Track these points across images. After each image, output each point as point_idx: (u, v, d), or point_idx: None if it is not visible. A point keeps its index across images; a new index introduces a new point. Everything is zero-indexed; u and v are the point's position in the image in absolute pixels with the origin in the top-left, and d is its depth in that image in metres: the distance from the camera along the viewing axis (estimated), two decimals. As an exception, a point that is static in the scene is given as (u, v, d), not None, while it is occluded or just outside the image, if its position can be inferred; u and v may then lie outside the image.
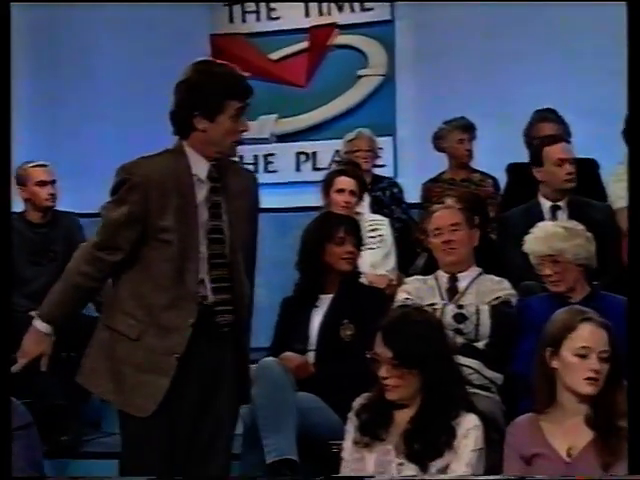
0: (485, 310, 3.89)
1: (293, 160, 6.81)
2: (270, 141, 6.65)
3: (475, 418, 3.04)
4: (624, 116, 5.05)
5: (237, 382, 3.18)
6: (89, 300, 3.29)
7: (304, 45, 6.82)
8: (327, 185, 4.99)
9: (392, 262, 4.98)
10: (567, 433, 2.95)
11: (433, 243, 4.16)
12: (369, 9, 6.71)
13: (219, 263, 3.09)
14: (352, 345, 3.90)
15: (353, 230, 4.17)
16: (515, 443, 3.01)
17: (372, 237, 4.91)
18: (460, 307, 3.91)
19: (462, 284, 4.04)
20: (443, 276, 4.09)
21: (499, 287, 4.00)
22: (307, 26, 6.82)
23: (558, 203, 4.64)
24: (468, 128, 5.57)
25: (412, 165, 6.37)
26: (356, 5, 6.74)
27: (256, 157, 6.68)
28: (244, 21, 6.96)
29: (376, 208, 5.45)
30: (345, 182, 4.94)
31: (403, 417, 3.06)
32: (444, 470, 2.98)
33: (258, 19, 6.93)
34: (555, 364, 2.97)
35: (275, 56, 6.83)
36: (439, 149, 5.68)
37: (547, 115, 5.42)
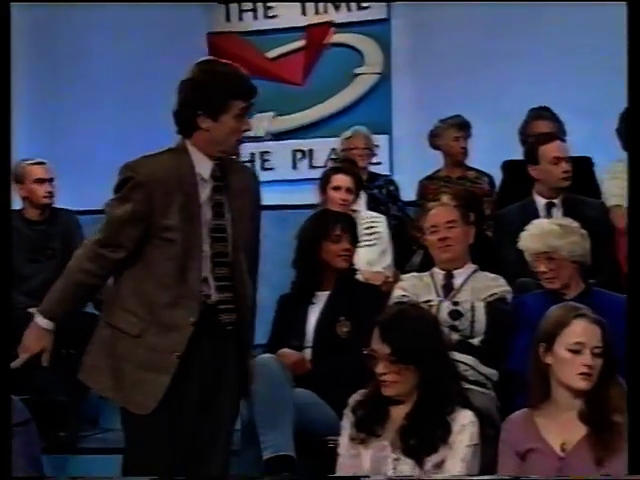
0: (480, 307, 3.90)
1: (290, 158, 6.82)
2: (267, 139, 6.65)
3: (470, 414, 3.06)
4: (618, 114, 5.09)
5: (239, 381, 3.18)
6: (91, 297, 3.29)
7: (301, 43, 6.83)
8: (324, 182, 5.01)
9: (388, 259, 5.01)
10: (561, 428, 2.97)
11: (429, 240, 4.17)
12: (365, 8, 6.72)
13: (222, 262, 3.09)
14: (348, 342, 3.91)
15: (349, 227, 4.18)
16: (510, 439, 3.03)
17: (368, 234, 4.93)
18: (456, 304, 3.92)
19: (458, 281, 4.05)
20: (439, 273, 4.10)
21: (494, 284, 4.01)
22: (304, 25, 6.83)
23: (553, 200, 4.66)
24: (463, 126, 5.57)
25: (408, 163, 6.36)
26: (352, 4, 6.75)
27: (253, 155, 6.69)
28: (241, 20, 6.96)
29: (372, 205, 5.45)
30: (342, 180, 4.96)
31: (399, 413, 3.08)
32: (440, 465, 3.00)
33: (255, 17, 6.93)
34: (549, 360, 2.99)
35: (272, 54, 6.84)
36: (435, 147, 5.68)
37: (542, 113, 5.43)
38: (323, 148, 6.68)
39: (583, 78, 6.07)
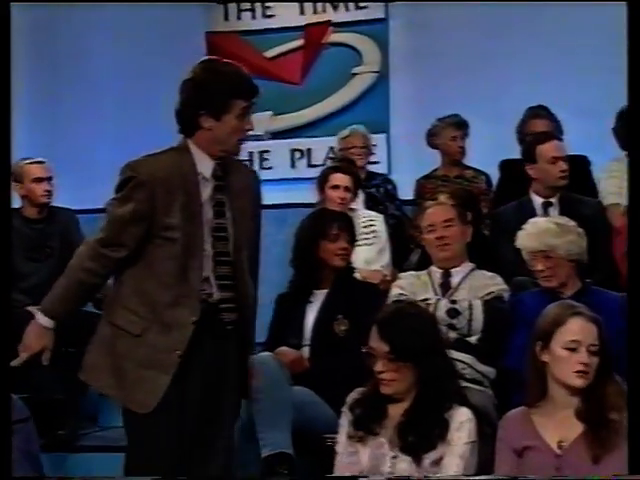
0: (478, 305, 3.91)
1: (288, 157, 6.83)
2: (265, 138, 6.66)
3: (468, 411, 3.07)
4: (615, 114, 5.11)
5: (240, 380, 3.18)
6: (92, 296, 3.29)
7: (299, 43, 6.83)
8: (322, 181, 5.02)
9: (386, 258, 5.02)
10: (558, 426, 2.98)
11: (426, 239, 4.18)
12: (363, 7, 6.72)
13: (223, 261, 3.09)
14: (346, 340, 3.92)
15: (347, 226, 4.19)
16: (507, 436, 3.04)
17: (366, 233, 4.95)
18: (453, 302, 3.93)
19: (455, 279, 4.06)
20: (436, 272, 4.11)
21: (492, 282, 4.02)
22: (302, 24, 6.83)
23: (550, 199, 4.67)
24: (461, 125, 5.58)
25: (406, 162, 6.36)
26: (350, 3, 6.75)
27: (251, 154, 6.69)
28: (239, 19, 6.96)
29: (370, 204, 5.47)
30: (340, 178, 4.97)
31: (397, 411, 3.09)
32: (437, 462, 3.01)
33: (253, 17, 6.93)
34: (546, 358, 3.00)
35: (270, 54, 6.84)
36: (432, 146, 5.69)
37: (539, 112, 5.44)
38: (321, 147, 6.68)
39: (580, 78, 6.08)
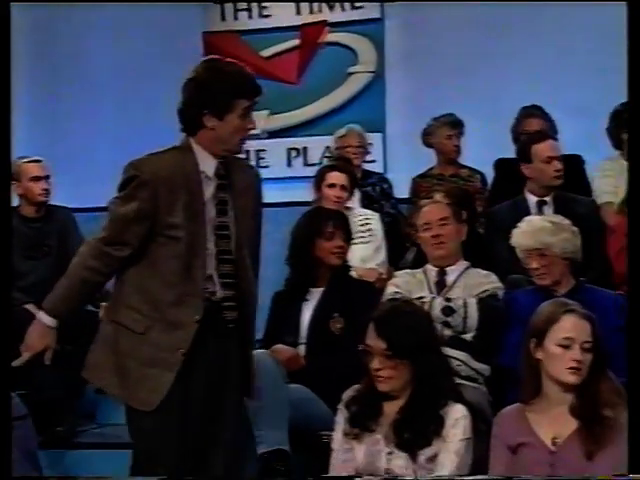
0: (473, 303, 3.93)
1: (284, 156, 6.84)
2: (261, 137, 6.67)
3: (463, 408, 3.09)
4: (609, 113, 5.13)
5: (242, 379, 3.18)
6: (95, 295, 3.29)
7: (295, 43, 6.84)
8: (319, 180, 5.03)
9: (382, 256, 5.03)
10: (552, 422, 2.99)
11: (422, 237, 4.20)
12: (359, 7, 6.73)
13: (226, 259, 3.09)
14: (342, 338, 3.94)
15: (342, 225, 4.20)
16: (501, 433, 3.05)
17: (362, 231, 4.96)
18: (448, 300, 3.95)
19: (450, 278, 4.08)
20: (432, 270, 4.13)
21: (486, 280, 4.04)
22: (298, 24, 6.83)
23: (544, 198, 4.69)
24: (456, 124, 5.59)
25: (401, 161, 6.37)
26: (346, 3, 6.75)
27: (247, 153, 6.69)
28: (236, 19, 6.96)
29: (366, 203, 5.47)
30: (336, 177, 4.98)
31: (392, 408, 3.11)
32: (433, 459, 3.03)
33: (250, 17, 6.94)
34: (539, 355, 3.02)
35: (267, 53, 6.85)
36: (428, 145, 5.70)
37: (533, 111, 5.46)
38: (317, 146, 6.68)
39: (574, 78, 6.08)
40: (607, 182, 4.91)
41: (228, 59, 3.18)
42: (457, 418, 3.07)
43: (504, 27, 6.33)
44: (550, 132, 5.20)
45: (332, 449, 3.19)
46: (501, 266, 4.27)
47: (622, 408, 2.96)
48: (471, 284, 4.03)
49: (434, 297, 3.98)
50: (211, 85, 3.03)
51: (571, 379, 2.96)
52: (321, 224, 4.15)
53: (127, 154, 3.11)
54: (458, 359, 3.83)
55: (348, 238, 4.22)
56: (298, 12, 6.87)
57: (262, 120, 6.60)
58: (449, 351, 3.68)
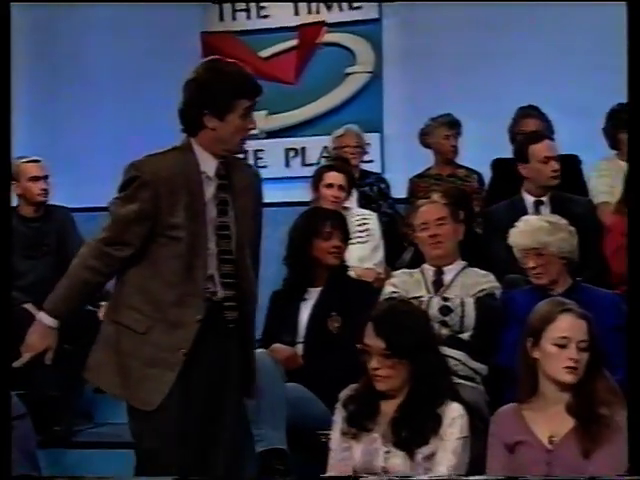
0: (470, 302, 3.94)
1: (282, 156, 6.84)
2: (260, 137, 6.67)
3: (460, 407, 3.10)
4: (605, 114, 5.15)
5: (242, 378, 3.18)
6: (96, 295, 3.30)
7: (293, 43, 6.85)
8: (317, 180, 5.04)
9: (380, 256, 5.04)
10: (549, 421, 3.00)
11: (419, 237, 4.21)
12: (357, 8, 6.74)
13: (227, 259, 3.09)
14: (340, 337, 3.95)
15: (339, 224, 4.21)
16: (499, 432, 3.06)
17: (360, 231, 4.97)
18: (445, 300, 3.96)
19: (447, 277, 4.09)
20: (429, 269, 4.14)
21: (484, 280, 4.05)
22: (296, 24, 6.84)
23: (541, 198, 4.71)
24: (454, 124, 5.61)
25: (399, 161, 6.38)
26: (344, 4, 6.77)
27: (246, 153, 6.70)
28: (234, 19, 6.97)
29: (364, 203, 5.48)
30: (334, 177, 4.99)
31: (390, 407, 3.12)
32: (430, 457, 3.04)
33: (248, 17, 6.94)
34: (536, 354, 3.02)
35: (265, 54, 6.85)
36: (425, 145, 5.71)
37: (530, 112, 5.47)
38: (315, 146, 6.69)
39: (571, 78, 6.09)
40: (603, 182, 4.93)
41: (228, 59, 3.18)
42: (454, 417, 3.08)
43: (501, 27, 6.33)
44: (547, 132, 5.21)
45: (330, 448, 3.20)
46: (498, 266, 4.28)
47: (618, 407, 2.98)
48: (468, 283, 4.04)
49: (431, 297, 4.00)
50: (212, 85, 3.04)
51: (567, 378, 2.97)
52: (318, 224, 4.16)
53: (126, 154, 3.12)
54: (455, 358, 3.83)
55: (345, 238, 4.23)
56: (296, 13, 6.87)
57: (260, 120, 6.60)
58: (447, 350, 3.69)
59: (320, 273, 4.15)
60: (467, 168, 5.66)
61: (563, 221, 4.04)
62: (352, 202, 5.26)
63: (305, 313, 4.10)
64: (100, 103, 6.84)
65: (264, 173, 6.59)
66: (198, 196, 3.05)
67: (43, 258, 4.92)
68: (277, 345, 3.98)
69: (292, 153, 6.86)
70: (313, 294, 4.13)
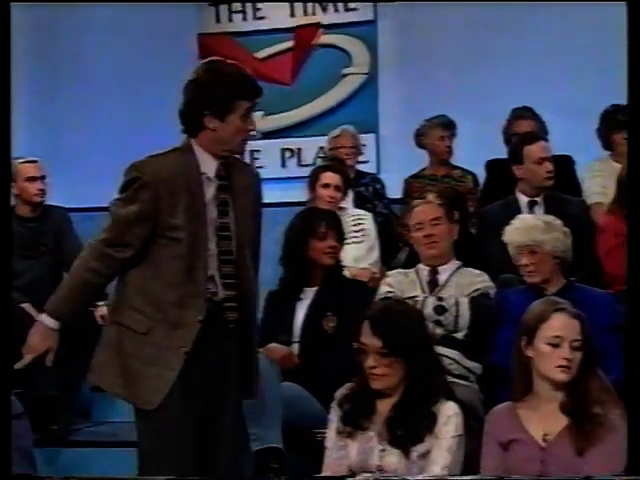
0: (464, 302, 3.96)
1: (278, 156, 6.86)
2: (256, 138, 6.69)
3: (455, 405, 3.12)
4: (599, 115, 5.18)
5: (243, 378, 3.18)
6: (97, 296, 3.30)
7: (289, 44, 6.86)
8: (313, 180, 5.05)
9: (375, 256, 5.04)
10: (543, 419, 3.02)
11: (414, 237, 4.22)
12: (353, 9, 6.76)
13: (227, 260, 3.09)
14: (335, 337, 3.96)
15: (335, 225, 4.22)
16: (493, 430, 3.08)
17: (355, 231, 4.98)
18: (440, 299, 3.98)
19: (442, 277, 4.11)
20: (424, 269, 4.15)
21: (478, 280, 4.06)
22: (292, 26, 6.86)
23: (535, 199, 4.73)
24: (449, 125, 5.62)
25: (394, 161, 6.39)
26: (340, 5, 6.78)
27: (242, 153, 6.72)
28: (231, 21, 6.98)
29: (359, 203, 5.50)
30: (330, 177, 5.00)
31: (385, 406, 3.13)
32: (425, 455, 3.05)
33: (244, 19, 6.96)
34: (530, 353, 3.04)
35: (261, 55, 6.87)
36: (420, 146, 5.73)
37: (524, 113, 5.49)
38: (311, 147, 6.70)
39: (565, 79, 6.11)
40: (596, 182, 4.96)
41: (228, 60, 3.19)
42: (449, 415, 3.09)
43: (496, 29, 6.34)
44: (541, 133, 5.23)
45: (325, 447, 3.21)
46: (493, 265, 4.30)
47: (611, 406, 3.00)
48: (463, 283, 4.05)
49: (426, 296, 4.01)
50: (212, 86, 3.04)
51: (560, 377, 2.99)
52: (314, 224, 4.17)
53: (125, 154, 3.11)
54: (450, 357, 3.85)
55: (341, 238, 4.24)
56: (292, 14, 6.89)
57: (257, 121, 6.58)
58: (441, 350, 3.69)
59: (316, 273, 4.17)
60: (462, 169, 5.67)
61: (558, 221, 4.05)
62: (348, 202, 5.27)
63: (301, 313, 4.11)
64: (99, 103, 6.83)
65: (260, 173, 6.64)
66: (198, 197, 3.05)
67: (40, 258, 4.94)
68: (273, 344, 3.99)
69: (288, 154, 6.88)
70: (309, 294, 4.14)
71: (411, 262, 4.36)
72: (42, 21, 6.90)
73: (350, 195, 5.34)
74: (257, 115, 6.58)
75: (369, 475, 3.00)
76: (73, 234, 5.00)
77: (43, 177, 5.03)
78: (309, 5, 6.84)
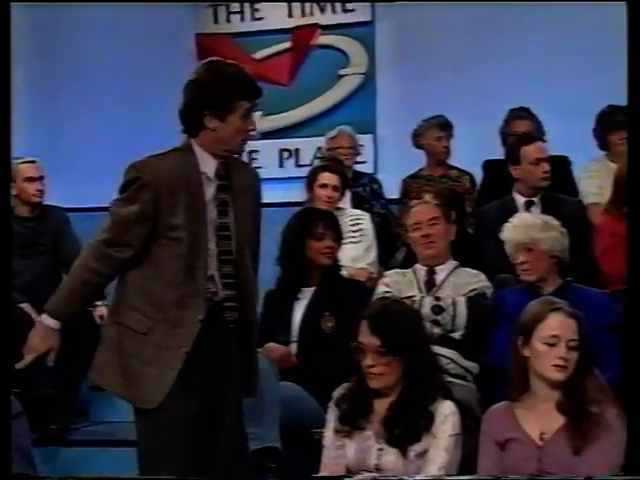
0: (461, 302, 3.97)
1: (276, 156, 6.86)
2: (254, 138, 6.68)
3: (452, 405, 3.13)
4: (595, 115, 5.19)
5: (243, 377, 3.19)
6: (97, 296, 3.30)
7: (287, 45, 6.86)
8: (311, 180, 5.06)
9: (373, 256, 5.06)
10: (539, 418, 3.04)
11: (412, 237, 4.23)
12: (350, 10, 6.76)
13: (227, 259, 3.10)
14: (333, 336, 3.97)
15: (332, 225, 4.23)
16: (490, 429, 3.10)
17: (353, 231, 4.99)
18: (437, 299, 3.98)
19: (439, 277, 4.11)
20: (421, 269, 4.16)
21: (475, 280, 4.07)
22: (290, 26, 6.86)
23: (532, 199, 4.75)
24: (446, 126, 5.63)
25: (392, 162, 6.40)
26: (338, 6, 6.79)
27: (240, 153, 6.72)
28: (229, 21, 6.98)
29: (357, 203, 5.50)
30: (328, 177, 5.01)
31: (382, 406, 3.14)
32: (422, 454, 3.06)
33: (242, 19, 6.96)
34: (527, 352, 3.06)
35: (259, 55, 6.86)
36: (418, 146, 5.73)
37: (521, 113, 5.50)
38: (309, 147, 6.71)
39: (562, 79, 6.11)
40: (593, 183, 4.98)
41: (228, 60, 3.19)
42: (446, 414, 3.10)
43: (493, 29, 6.34)
44: (537, 134, 5.25)
45: (323, 446, 3.22)
46: (490, 265, 4.31)
47: (608, 405, 3.02)
48: (460, 283, 4.06)
49: (424, 296, 4.02)
50: (212, 86, 3.04)
51: (556, 376, 3.01)
52: (311, 225, 4.18)
53: (124, 154, 3.11)
54: (447, 357, 3.86)
55: (338, 238, 4.25)
56: (290, 15, 6.89)
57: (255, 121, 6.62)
58: (438, 349, 3.71)
59: (313, 273, 4.17)
60: (459, 169, 5.68)
61: (556, 222, 4.06)
62: (345, 202, 5.27)
63: (299, 313, 4.12)
64: (99, 103, 6.83)
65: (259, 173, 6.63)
66: (198, 197, 3.05)
67: (38, 258, 4.95)
68: (271, 344, 3.99)
69: (286, 154, 6.88)
70: (306, 294, 4.15)
71: (408, 262, 4.37)
72: (42, 21, 6.90)
73: (348, 195, 5.35)
74: (255, 115, 6.66)
75: (368, 475, 3.01)
76: (71, 234, 5.01)
77: (41, 177, 5.05)
78: (307, 6, 6.84)
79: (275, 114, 6.79)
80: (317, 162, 6.13)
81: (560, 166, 5.09)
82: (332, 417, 3.22)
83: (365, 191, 5.71)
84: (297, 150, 6.85)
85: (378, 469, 3.07)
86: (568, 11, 6.03)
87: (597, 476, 2.75)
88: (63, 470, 4.33)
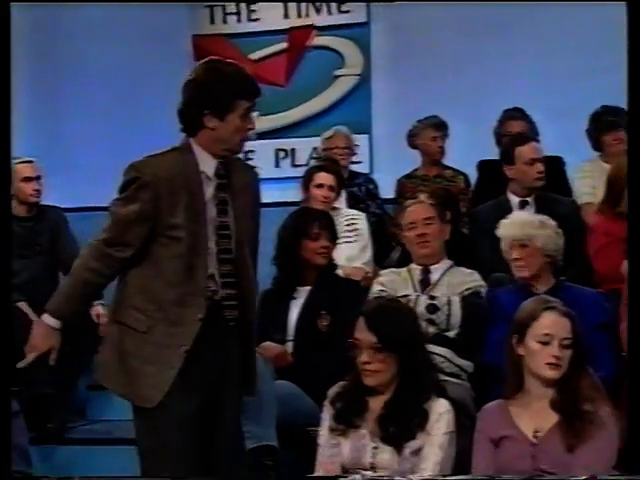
0: (456, 301, 3.98)
1: (272, 157, 6.88)
2: (250, 138, 6.69)
3: (446, 403, 3.14)
4: (588, 116, 5.22)
5: (243, 376, 3.19)
6: (98, 296, 3.30)
7: (283, 46, 6.88)
8: (307, 180, 5.07)
9: (368, 255, 5.06)
10: (534, 416, 3.05)
11: (407, 237, 4.25)
12: (346, 11, 6.78)
13: (227, 259, 3.10)
14: (329, 335, 3.99)
15: (327, 225, 4.24)
16: (484, 427, 3.11)
17: (349, 231, 4.99)
18: (432, 298, 3.99)
19: (434, 276, 4.13)
20: (416, 268, 4.17)
21: (470, 279, 4.09)
22: (286, 27, 6.87)
23: (526, 199, 4.76)
24: (441, 126, 5.65)
25: (387, 162, 6.41)
26: (333, 7, 6.80)
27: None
28: (225, 22, 6.99)
29: (352, 203, 5.52)
30: (324, 177, 5.02)
31: (377, 404, 3.15)
32: (417, 452, 3.07)
33: (239, 20, 6.97)
34: (521, 351, 3.07)
35: (255, 56, 6.87)
36: (413, 146, 5.75)
37: (515, 114, 5.52)
38: (305, 147, 6.73)
39: (555, 81, 6.13)
40: (586, 183, 5.00)
41: (227, 60, 3.19)
42: (441, 412, 3.11)
43: (489, 31, 6.35)
44: (532, 134, 5.27)
45: (318, 445, 3.23)
46: (484, 265, 4.32)
47: (601, 403, 3.04)
48: (454, 282, 4.08)
49: (418, 295, 4.03)
50: (212, 86, 3.04)
51: (550, 374, 3.02)
52: (307, 225, 4.19)
53: (124, 154, 3.12)
54: (442, 356, 3.87)
55: (333, 238, 4.26)
56: (286, 16, 6.90)
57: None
58: (433, 348, 3.72)
59: (309, 273, 4.19)
60: (454, 169, 5.69)
61: (552, 222, 4.07)
62: (341, 202, 5.28)
63: (295, 312, 4.13)
64: (99, 103, 6.83)
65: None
66: (198, 196, 3.05)
67: (36, 257, 4.96)
68: (267, 343, 4.00)
69: (282, 154, 6.90)
70: (302, 293, 4.16)
71: (404, 261, 4.38)
72: (42, 21, 6.91)
73: (343, 195, 5.36)
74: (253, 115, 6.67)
75: (365, 473, 3.02)
76: (69, 234, 5.02)
77: (39, 177, 5.05)
78: (303, 7, 6.86)
79: (271, 114, 6.79)
80: (313, 162, 6.15)
81: (554, 166, 5.10)
82: (327, 415, 3.22)
83: (361, 191, 5.72)
84: (293, 150, 6.86)
85: (373, 467, 3.08)
86: (566, 11, 6.05)
87: (598, 476, 2.76)
88: (60, 468, 4.36)
